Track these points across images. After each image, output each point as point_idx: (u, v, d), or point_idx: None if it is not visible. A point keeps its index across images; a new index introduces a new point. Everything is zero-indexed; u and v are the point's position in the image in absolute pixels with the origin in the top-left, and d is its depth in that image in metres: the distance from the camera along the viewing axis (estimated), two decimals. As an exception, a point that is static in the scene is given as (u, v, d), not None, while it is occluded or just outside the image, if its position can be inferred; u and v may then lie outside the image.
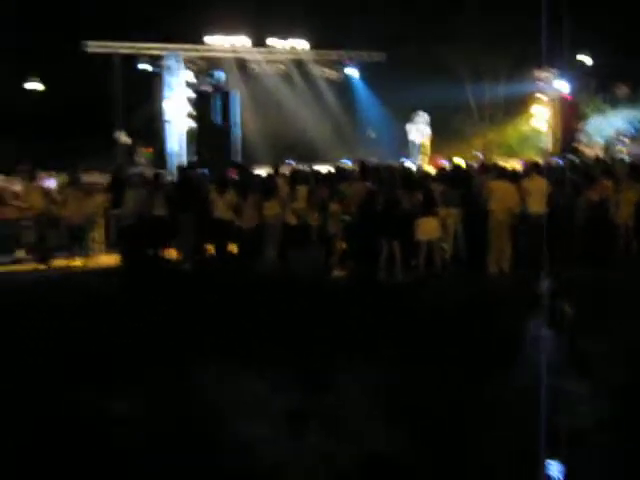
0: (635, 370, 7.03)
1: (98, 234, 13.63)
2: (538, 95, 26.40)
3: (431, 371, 6.94)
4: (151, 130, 23.63)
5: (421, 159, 20.39)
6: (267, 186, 12.86)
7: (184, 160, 21.20)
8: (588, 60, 27.83)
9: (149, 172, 15.87)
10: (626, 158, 22.10)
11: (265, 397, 6.36)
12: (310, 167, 15.38)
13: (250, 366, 7.04)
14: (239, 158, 20.74)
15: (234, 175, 20.54)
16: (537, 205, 11.94)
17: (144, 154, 22.58)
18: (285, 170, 14.62)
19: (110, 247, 13.75)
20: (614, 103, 28.09)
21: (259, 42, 23.90)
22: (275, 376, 6.74)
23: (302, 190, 12.42)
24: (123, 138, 22.25)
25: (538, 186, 12.22)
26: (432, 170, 16.30)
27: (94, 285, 11.52)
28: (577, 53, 27.09)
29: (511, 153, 28.13)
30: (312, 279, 11.36)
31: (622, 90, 28.39)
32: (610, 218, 12.54)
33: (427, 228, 11.42)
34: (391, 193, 11.49)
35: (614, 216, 12.58)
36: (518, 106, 28.67)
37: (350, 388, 6.54)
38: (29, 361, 7.41)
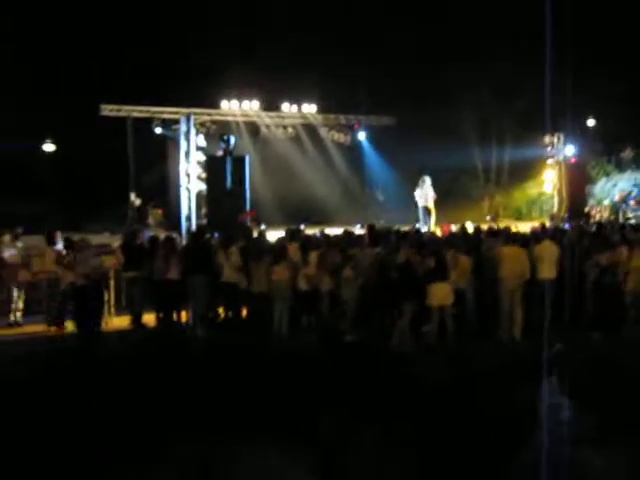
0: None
1: (109, 296, 13.69)
2: (545, 159, 26.66)
3: (447, 445, 6.88)
4: (162, 192, 23.92)
5: (430, 223, 20.48)
6: (277, 251, 12.92)
7: (194, 223, 21.37)
8: (593, 123, 28.17)
9: (160, 234, 15.98)
10: (633, 222, 22.20)
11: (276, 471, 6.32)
12: (321, 230, 15.46)
13: (260, 438, 6.99)
14: (248, 222, 20.86)
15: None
16: (548, 271, 11.97)
17: (155, 216, 22.79)
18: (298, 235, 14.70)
19: (121, 310, 13.86)
20: (620, 166, 28.32)
21: (270, 107, 24.34)
22: (287, 447, 6.71)
23: (313, 255, 12.48)
24: (134, 199, 22.49)
25: (549, 251, 12.27)
26: (440, 234, 16.40)
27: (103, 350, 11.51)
28: (583, 116, 27.45)
29: (519, 216, 28.32)
30: (323, 345, 11.35)
31: (627, 153, 28.65)
32: (619, 284, 12.21)
33: (439, 294, 11.38)
34: (404, 259, 11.54)
35: (623, 283, 12.15)
36: (525, 169, 28.97)
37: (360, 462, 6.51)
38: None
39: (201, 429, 7.36)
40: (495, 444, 6.84)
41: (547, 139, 25.94)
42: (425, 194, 20.66)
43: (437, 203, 20.87)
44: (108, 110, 22.07)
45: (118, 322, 13.38)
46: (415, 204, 21.04)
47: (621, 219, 23.84)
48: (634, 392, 8.47)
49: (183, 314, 12.95)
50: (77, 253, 12.38)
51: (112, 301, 13.75)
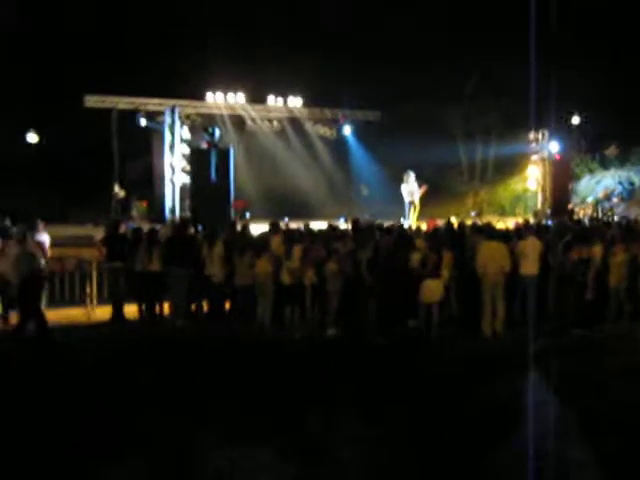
0: (632, 433, 7.01)
1: (91, 288, 13.63)
2: (529, 155, 26.77)
3: (433, 440, 6.88)
4: (146, 184, 23.81)
5: (414, 218, 20.50)
6: (260, 244, 12.86)
7: (178, 215, 21.29)
8: (578, 120, 28.26)
9: (143, 226, 15.89)
10: (615, 218, 22.34)
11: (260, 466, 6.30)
12: (306, 224, 15.41)
13: (244, 433, 6.97)
14: (233, 214, 20.83)
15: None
16: (531, 266, 12.03)
17: (139, 208, 22.69)
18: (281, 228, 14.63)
19: (103, 301, 13.73)
20: (604, 163, 28.46)
21: (256, 99, 24.26)
22: (271, 442, 6.69)
23: (297, 249, 12.43)
24: (118, 191, 22.39)
25: (532, 247, 12.30)
26: (425, 229, 16.37)
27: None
28: (568, 114, 27.55)
29: (503, 212, 28.42)
30: (306, 339, 11.33)
31: (611, 150, 28.79)
32: (588, 280, 12.06)
33: (432, 290, 11.44)
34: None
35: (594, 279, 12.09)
36: (509, 166, 29.08)
37: (348, 454, 6.51)
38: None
39: (177, 420, 7.34)
40: (479, 438, 6.85)
41: (532, 136, 26.05)
42: (410, 189, 20.67)
43: (422, 198, 20.86)
44: (92, 101, 21.93)
45: (100, 314, 13.28)
46: (398, 195, 21.08)
47: (604, 216, 23.99)
48: (616, 389, 8.50)
49: (166, 306, 12.89)
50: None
51: (94, 293, 13.67)
